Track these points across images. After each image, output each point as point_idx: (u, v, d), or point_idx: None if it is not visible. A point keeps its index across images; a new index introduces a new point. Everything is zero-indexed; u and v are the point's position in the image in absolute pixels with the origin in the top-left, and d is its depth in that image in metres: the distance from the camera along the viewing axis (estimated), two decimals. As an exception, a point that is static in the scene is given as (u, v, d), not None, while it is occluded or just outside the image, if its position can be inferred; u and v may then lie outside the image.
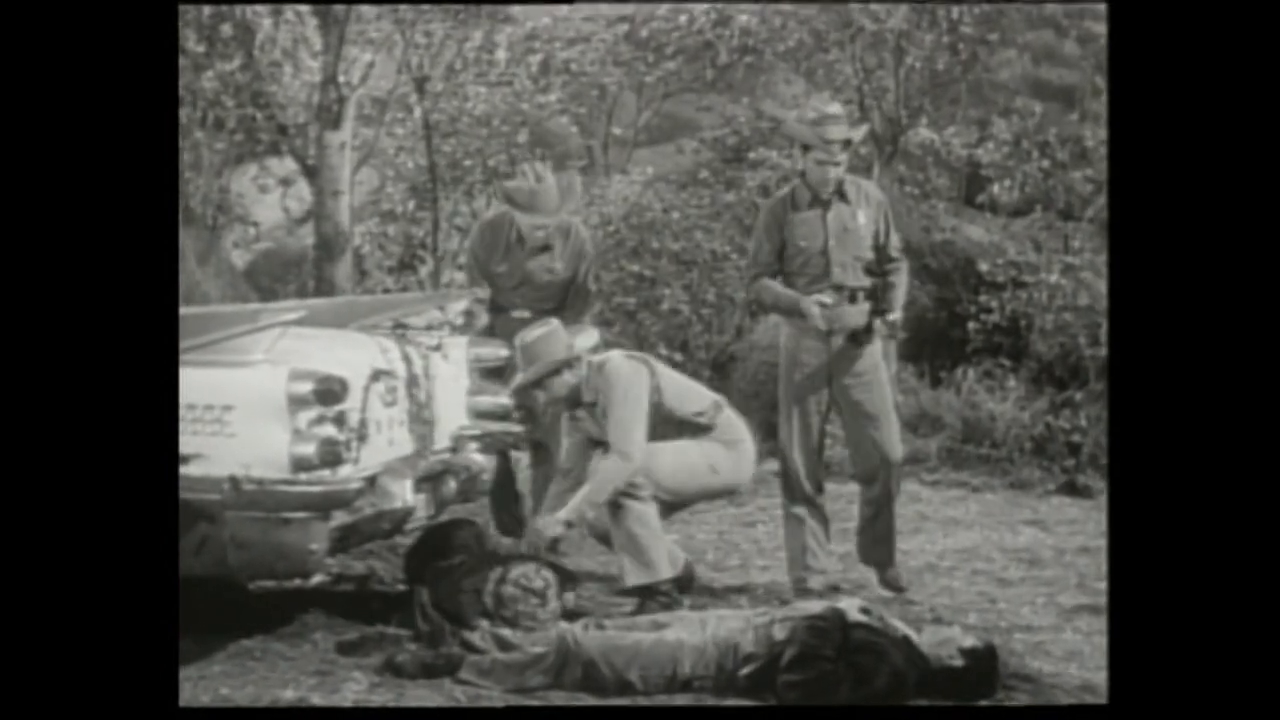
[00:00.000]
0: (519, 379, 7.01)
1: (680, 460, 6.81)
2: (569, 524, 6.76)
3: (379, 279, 13.84)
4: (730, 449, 6.93)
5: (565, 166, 12.99)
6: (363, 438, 6.19)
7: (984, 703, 5.63)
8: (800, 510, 7.26)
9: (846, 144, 7.12)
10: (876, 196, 7.35)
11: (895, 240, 7.32)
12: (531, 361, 6.87)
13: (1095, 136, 12.23)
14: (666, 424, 6.83)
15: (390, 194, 14.62)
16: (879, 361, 7.25)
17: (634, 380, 6.77)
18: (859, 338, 7.15)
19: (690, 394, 7.00)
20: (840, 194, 7.17)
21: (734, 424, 7.00)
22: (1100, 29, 13.96)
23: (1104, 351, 11.11)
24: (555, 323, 7.00)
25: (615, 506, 6.69)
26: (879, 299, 7.20)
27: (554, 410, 7.35)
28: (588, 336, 7.12)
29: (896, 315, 7.21)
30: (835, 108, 7.29)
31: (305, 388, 5.81)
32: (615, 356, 6.89)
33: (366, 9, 12.99)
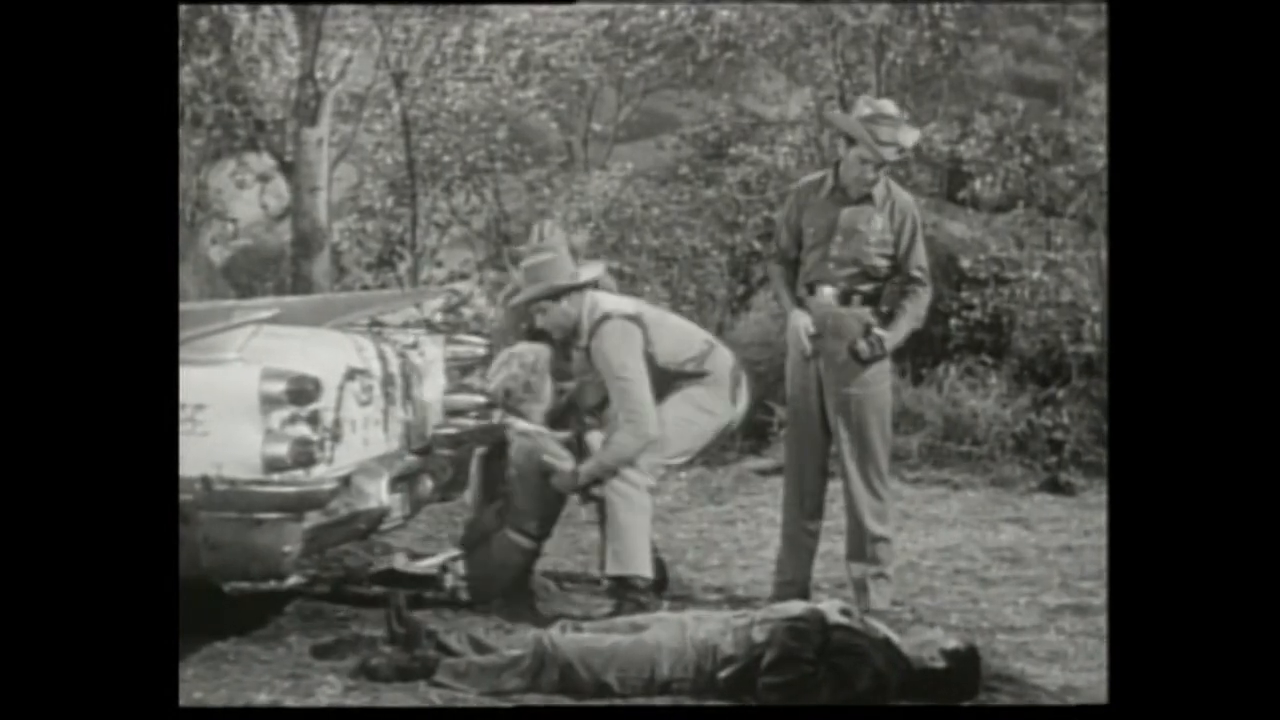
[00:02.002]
0: (517, 296, 7.05)
1: (676, 417, 6.82)
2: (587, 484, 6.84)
3: (357, 276, 13.76)
4: (720, 388, 6.93)
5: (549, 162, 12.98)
6: (337, 437, 6.16)
7: (972, 703, 5.61)
8: (789, 529, 7.05)
9: (897, 149, 6.80)
10: (906, 206, 6.90)
11: (919, 258, 6.89)
12: (533, 282, 6.87)
13: (1077, 132, 12.14)
14: (661, 377, 6.82)
15: (369, 190, 14.53)
16: (884, 373, 6.92)
17: (627, 347, 6.75)
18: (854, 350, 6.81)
19: (683, 339, 6.98)
20: (867, 194, 6.83)
21: (725, 361, 6.99)
22: (1082, 25, 13.93)
23: (1087, 348, 11.08)
24: (563, 250, 6.98)
25: (611, 490, 6.71)
26: (877, 306, 6.86)
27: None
28: (592, 269, 7.10)
29: (888, 337, 6.79)
30: (892, 108, 6.85)
31: (278, 387, 5.77)
32: (610, 323, 6.80)
33: (344, 5, 12.90)
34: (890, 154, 6.77)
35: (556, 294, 6.85)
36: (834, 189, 6.90)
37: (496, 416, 7.21)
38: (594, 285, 7.02)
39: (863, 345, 6.77)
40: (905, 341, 7.05)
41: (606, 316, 6.82)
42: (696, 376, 6.89)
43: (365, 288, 13.24)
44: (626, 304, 7.02)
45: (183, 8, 12.18)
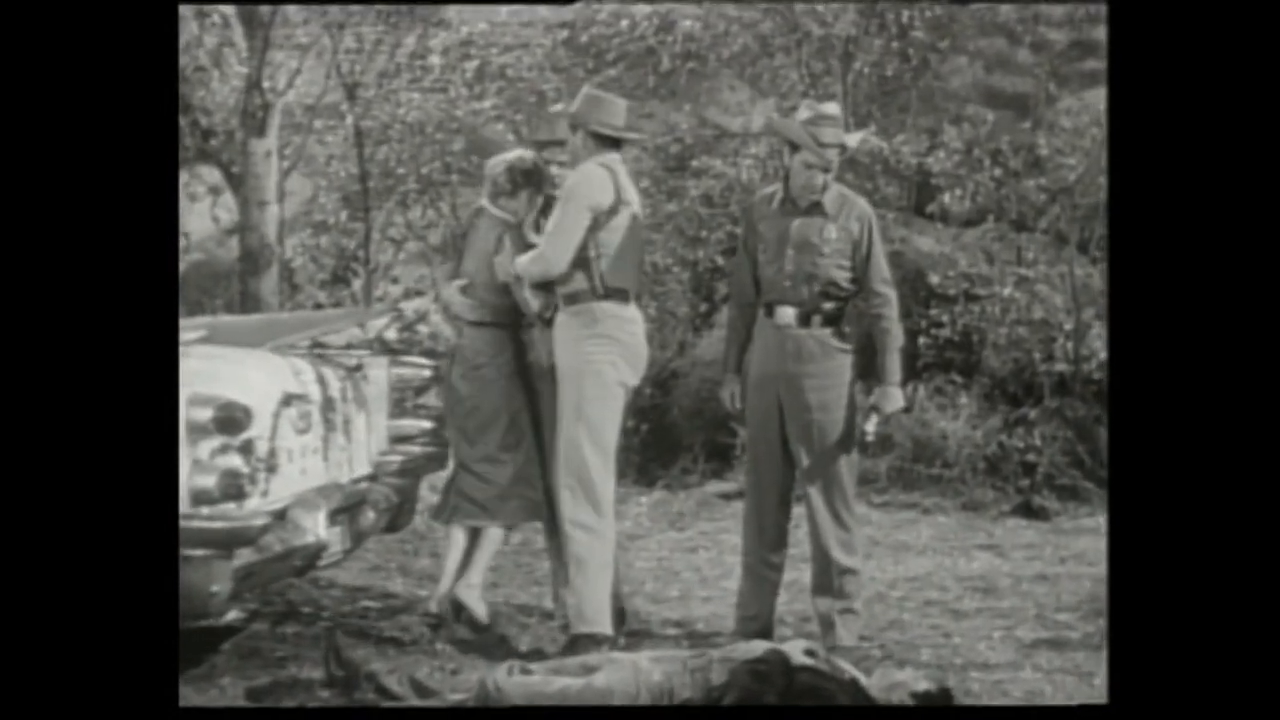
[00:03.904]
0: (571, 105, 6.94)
1: (600, 404, 6.48)
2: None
3: (310, 293, 13.40)
4: (629, 343, 6.55)
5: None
6: (272, 468, 5.85)
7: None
8: (749, 560, 6.75)
9: (841, 149, 6.55)
10: (863, 214, 6.60)
11: (880, 268, 6.60)
12: (589, 106, 6.67)
13: (1049, 145, 11.96)
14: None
15: (323, 204, 14.21)
16: (849, 396, 6.64)
17: (589, 185, 6.49)
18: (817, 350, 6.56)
19: (636, 260, 6.70)
20: (818, 203, 6.56)
21: (637, 318, 6.67)
22: (1054, 36, 13.78)
23: (1059, 367, 10.87)
24: (624, 110, 6.81)
25: (569, 532, 6.45)
26: (839, 327, 6.61)
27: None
28: (634, 136, 7.10)
29: (890, 396, 6.70)
30: (832, 108, 6.63)
31: (205, 414, 5.47)
32: (601, 169, 6.54)
33: (293, 13, 12.59)
34: (833, 155, 6.53)
35: (593, 127, 6.58)
36: (784, 200, 6.66)
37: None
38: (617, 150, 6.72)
39: (869, 428, 6.67)
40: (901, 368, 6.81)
41: (605, 167, 6.55)
42: (620, 293, 6.51)
43: (319, 305, 12.88)
44: (633, 192, 6.69)
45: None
